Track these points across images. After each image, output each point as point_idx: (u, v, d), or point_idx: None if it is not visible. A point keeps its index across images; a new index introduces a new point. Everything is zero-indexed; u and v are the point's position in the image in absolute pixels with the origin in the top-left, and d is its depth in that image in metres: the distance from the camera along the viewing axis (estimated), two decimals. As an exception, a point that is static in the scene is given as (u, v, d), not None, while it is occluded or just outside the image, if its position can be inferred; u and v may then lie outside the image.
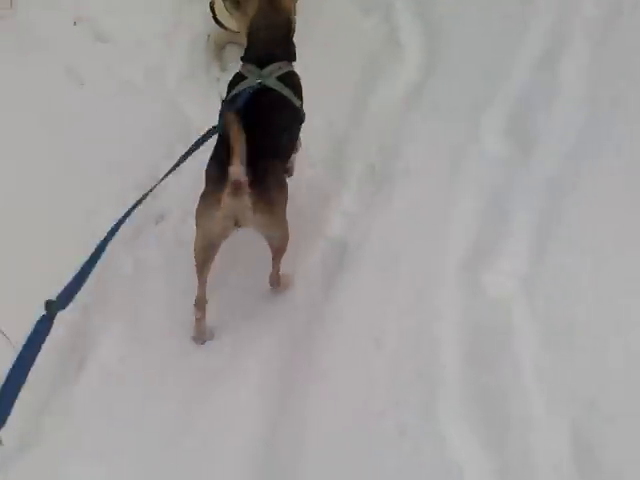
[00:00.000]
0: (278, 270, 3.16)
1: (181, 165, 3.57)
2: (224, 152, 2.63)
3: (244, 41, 3.13)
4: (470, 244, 3.29)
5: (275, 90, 2.91)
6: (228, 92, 3.02)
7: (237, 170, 2.56)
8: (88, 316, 3.30)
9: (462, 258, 3.23)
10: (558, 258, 3.14)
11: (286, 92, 2.95)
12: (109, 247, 3.35)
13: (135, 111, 4.04)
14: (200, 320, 3.14)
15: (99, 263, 3.23)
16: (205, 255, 2.95)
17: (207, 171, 2.85)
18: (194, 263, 2.98)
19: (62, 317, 2.99)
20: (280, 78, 2.95)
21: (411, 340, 3.01)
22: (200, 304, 3.10)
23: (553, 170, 3.45)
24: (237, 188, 2.60)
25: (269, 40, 3.02)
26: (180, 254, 3.44)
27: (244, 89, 2.89)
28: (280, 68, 2.97)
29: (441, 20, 4.34)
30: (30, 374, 2.01)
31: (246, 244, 3.11)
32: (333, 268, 3.35)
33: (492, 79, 3.91)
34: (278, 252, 3.07)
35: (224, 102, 2.98)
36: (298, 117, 3.07)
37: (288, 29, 3.06)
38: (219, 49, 4.43)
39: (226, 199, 2.64)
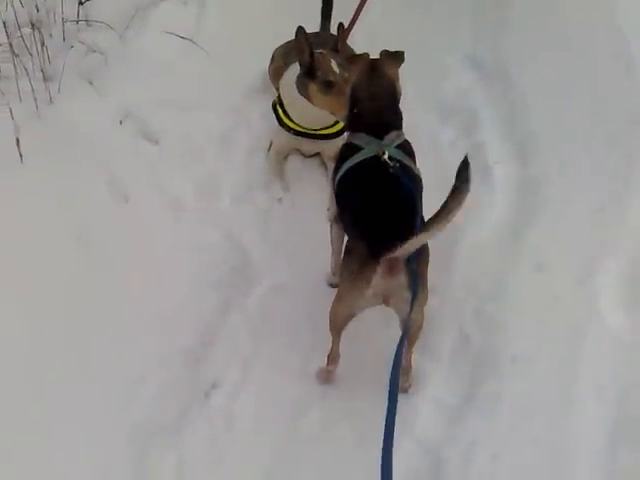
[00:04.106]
0: (411, 358, 2.65)
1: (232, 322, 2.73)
2: (375, 226, 2.35)
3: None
4: (601, 473, 2.34)
5: (399, 160, 2.52)
6: (338, 166, 2.66)
7: (402, 248, 2.23)
8: None
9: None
10: None
11: (407, 161, 2.56)
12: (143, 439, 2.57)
13: (183, 242, 3.13)
14: (331, 372, 2.76)
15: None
16: (343, 323, 2.59)
17: (350, 245, 2.52)
18: (329, 325, 2.61)
19: None
20: (399, 147, 2.57)
21: None
22: (333, 359, 2.72)
23: None
24: (394, 267, 2.27)
25: (379, 108, 2.65)
26: (232, 446, 2.60)
27: (364, 159, 2.55)
28: (398, 136, 2.60)
29: (533, 139, 3.31)
30: None
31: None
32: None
33: (605, 225, 2.89)
34: (416, 335, 2.58)
35: (339, 177, 2.64)
36: (421, 185, 2.61)
37: (395, 96, 2.68)
38: (281, 160, 3.54)
39: (379, 278, 2.31)
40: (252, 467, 2.57)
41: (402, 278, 2.36)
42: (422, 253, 2.45)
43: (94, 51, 3.86)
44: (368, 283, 2.38)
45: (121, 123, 3.63)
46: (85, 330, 2.78)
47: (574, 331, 2.69)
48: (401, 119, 2.70)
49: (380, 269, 2.34)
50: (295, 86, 3.18)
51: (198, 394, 2.74)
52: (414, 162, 2.68)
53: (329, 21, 3.66)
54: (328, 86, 3.00)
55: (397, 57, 2.73)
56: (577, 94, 3.51)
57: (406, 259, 2.34)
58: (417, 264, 2.40)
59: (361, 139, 2.64)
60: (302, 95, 3.14)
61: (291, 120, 3.33)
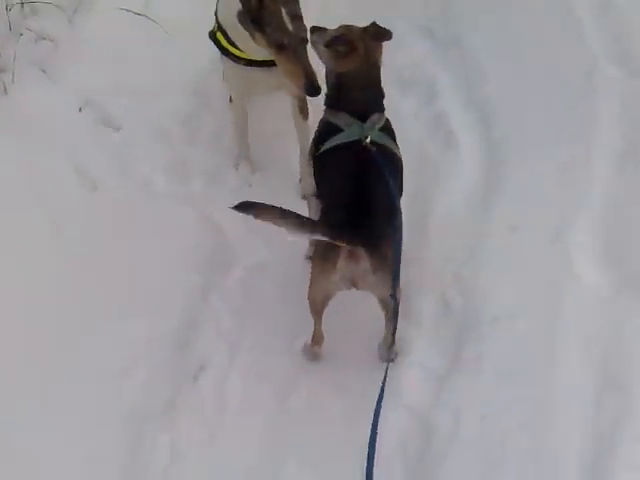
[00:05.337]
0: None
1: (214, 304, 2.88)
2: (339, 215, 2.40)
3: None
4: (588, 426, 2.43)
5: (380, 144, 2.54)
6: (318, 143, 2.66)
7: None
8: None
9: (582, 450, 2.39)
10: None
11: (389, 143, 2.61)
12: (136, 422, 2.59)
13: (158, 225, 3.12)
14: (317, 353, 2.80)
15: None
16: (321, 306, 2.65)
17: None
18: (308, 308, 2.65)
19: None
20: (381, 129, 2.59)
21: None
22: (317, 340, 2.77)
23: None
24: (353, 252, 2.36)
25: (366, 92, 2.66)
26: (223, 426, 2.65)
27: (349, 142, 2.55)
28: (380, 119, 2.63)
29: (494, 102, 3.38)
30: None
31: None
32: (417, 457, 2.50)
33: (573, 183, 2.99)
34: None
35: (317, 155, 2.66)
36: (401, 166, 2.66)
37: (380, 77, 2.70)
38: (245, 113, 3.32)
39: (342, 262, 2.38)
40: (244, 444, 2.61)
41: (365, 263, 2.41)
42: (389, 236, 2.48)
43: (44, 38, 3.75)
44: (334, 267, 2.43)
45: (80, 110, 3.54)
46: (68, 320, 2.78)
47: (551, 289, 2.77)
48: (383, 98, 2.70)
49: (343, 254, 2.39)
50: (235, 16, 2.76)
51: (187, 377, 2.76)
52: (395, 142, 2.69)
53: None
54: (280, 48, 2.64)
55: (385, 35, 2.69)
56: (531, 55, 3.59)
57: (369, 244, 2.37)
58: (382, 249, 2.43)
59: (343, 120, 2.62)
60: (245, 30, 2.73)
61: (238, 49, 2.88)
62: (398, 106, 3.56)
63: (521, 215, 2.98)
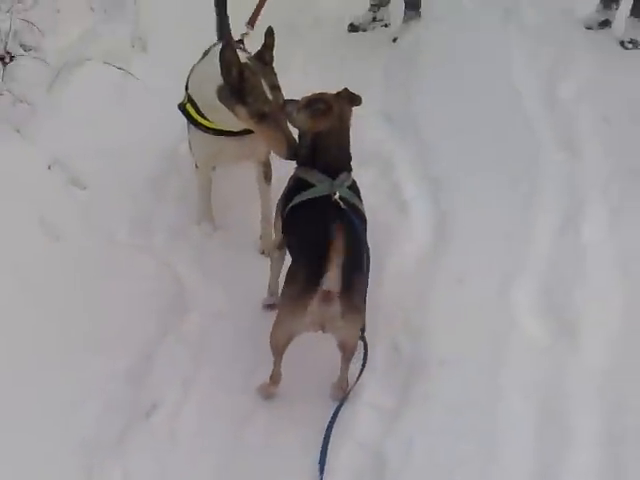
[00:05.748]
0: (347, 372, 2.79)
1: (171, 345, 2.99)
2: (315, 259, 2.47)
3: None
4: (530, 460, 2.56)
5: (348, 200, 2.71)
6: (287, 198, 2.81)
7: (334, 281, 2.43)
8: None
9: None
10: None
11: (355, 201, 2.77)
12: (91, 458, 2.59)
13: (119, 272, 3.22)
14: (272, 393, 2.84)
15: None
16: (283, 346, 2.72)
17: (292, 272, 2.64)
18: (270, 347, 2.71)
19: None
20: (349, 187, 2.78)
21: None
22: (275, 380, 2.82)
23: (608, 359, 2.81)
24: (328, 297, 2.47)
25: (337, 152, 2.83)
26: (176, 460, 2.66)
27: (318, 197, 2.72)
28: (348, 178, 2.81)
29: (444, 176, 3.65)
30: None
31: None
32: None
33: (515, 248, 3.24)
34: (351, 353, 2.76)
35: (289, 208, 2.79)
36: (366, 223, 2.82)
37: (349, 139, 2.86)
38: (209, 181, 3.46)
39: (315, 305, 2.49)
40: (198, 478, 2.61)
41: (336, 308, 2.53)
42: (359, 284, 2.64)
43: (21, 101, 3.93)
44: (305, 310, 2.54)
45: (49, 168, 3.67)
46: (25, 355, 2.83)
47: (495, 337, 2.92)
48: (351, 160, 2.89)
49: (316, 298, 2.50)
50: (213, 92, 2.86)
51: (139, 414, 2.77)
52: (361, 200, 2.88)
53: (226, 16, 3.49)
54: (262, 117, 2.77)
55: (356, 100, 2.88)
56: (480, 140, 3.91)
57: (341, 290, 2.50)
58: (353, 295, 2.57)
59: (315, 177, 2.79)
60: (223, 104, 2.83)
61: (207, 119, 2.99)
62: (358, 177, 3.78)
63: (467, 270, 3.17)
